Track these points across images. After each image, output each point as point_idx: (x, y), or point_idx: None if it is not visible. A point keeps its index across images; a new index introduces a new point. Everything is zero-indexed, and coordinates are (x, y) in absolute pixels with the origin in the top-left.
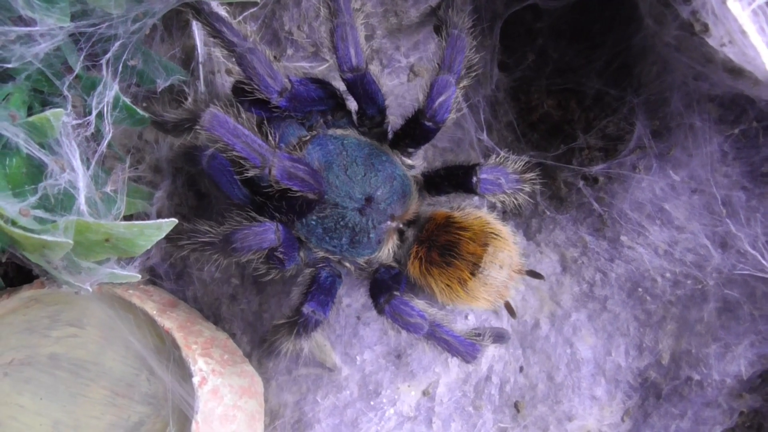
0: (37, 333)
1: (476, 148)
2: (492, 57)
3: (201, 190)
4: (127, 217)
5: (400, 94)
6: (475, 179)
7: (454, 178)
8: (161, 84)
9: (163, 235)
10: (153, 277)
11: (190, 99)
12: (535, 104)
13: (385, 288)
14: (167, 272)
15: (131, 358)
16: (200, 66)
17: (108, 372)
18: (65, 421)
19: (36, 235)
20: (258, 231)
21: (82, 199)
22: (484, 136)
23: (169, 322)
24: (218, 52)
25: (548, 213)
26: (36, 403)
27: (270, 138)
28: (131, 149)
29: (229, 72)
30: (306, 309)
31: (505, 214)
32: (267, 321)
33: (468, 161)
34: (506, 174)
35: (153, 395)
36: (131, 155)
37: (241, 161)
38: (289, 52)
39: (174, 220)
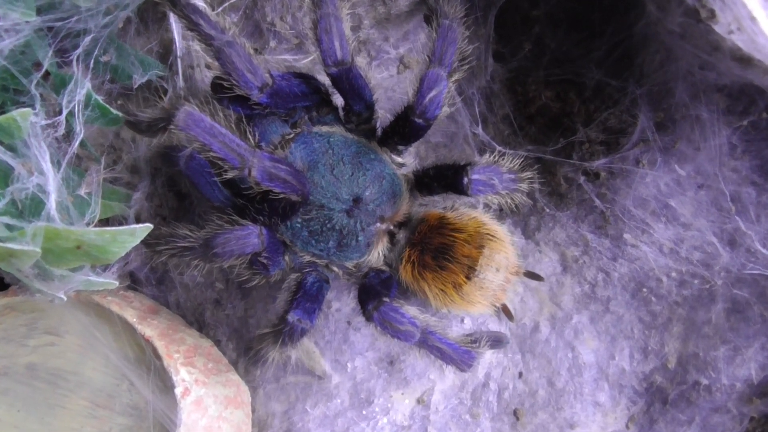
0: (14, 342)
1: (471, 143)
2: (486, 47)
3: (182, 190)
4: (104, 221)
5: (389, 87)
6: (466, 180)
7: (444, 179)
8: (138, 80)
9: (138, 241)
10: (133, 282)
11: (167, 96)
12: (532, 96)
13: (374, 294)
14: (148, 277)
15: (112, 367)
16: (179, 60)
17: (87, 382)
18: None
19: (1, 244)
20: (240, 235)
21: (52, 204)
22: (479, 130)
23: (149, 329)
24: (197, 46)
25: (547, 210)
26: (13, 415)
27: (250, 137)
28: (107, 149)
29: (209, 66)
30: (291, 317)
31: (502, 212)
32: (253, 327)
33: (460, 159)
34: (500, 174)
35: (135, 406)
36: (107, 155)
37: (218, 162)
38: (272, 44)
39: (149, 226)
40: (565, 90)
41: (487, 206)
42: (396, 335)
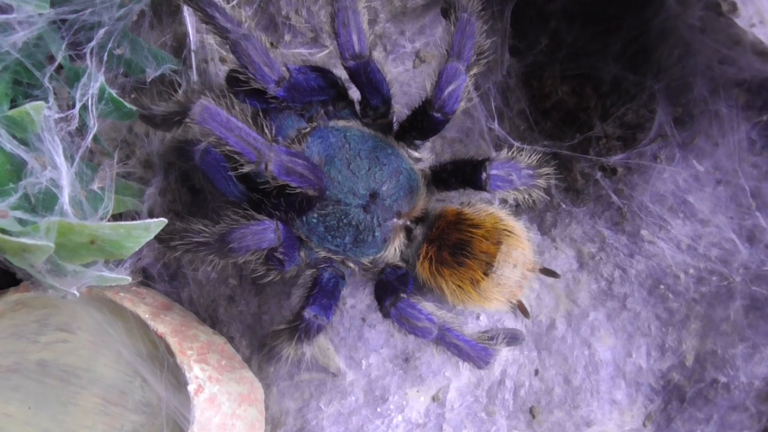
0: (25, 338)
1: (487, 138)
2: (503, 41)
3: (195, 185)
4: (117, 216)
5: (405, 81)
6: (484, 175)
7: (462, 174)
8: (151, 73)
9: (152, 236)
10: (146, 278)
11: (181, 90)
12: (548, 91)
13: (391, 290)
14: (161, 273)
15: (124, 364)
16: (192, 54)
17: (100, 379)
18: (55, 431)
19: (15, 238)
20: (256, 230)
21: (65, 199)
22: (495, 126)
23: (162, 326)
24: (211, 39)
25: (564, 206)
26: (24, 412)
27: (266, 131)
28: (120, 143)
29: (223, 60)
30: (307, 313)
31: (518, 208)
32: (267, 323)
33: (478, 155)
34: (518, 169)
35: (147, 403)
36: (120, 150)
37: (235, 156)
38: (287, 38)
39: (163, 220)
40: (582, 85)
41: (503, 202)
42: (413, 331)
